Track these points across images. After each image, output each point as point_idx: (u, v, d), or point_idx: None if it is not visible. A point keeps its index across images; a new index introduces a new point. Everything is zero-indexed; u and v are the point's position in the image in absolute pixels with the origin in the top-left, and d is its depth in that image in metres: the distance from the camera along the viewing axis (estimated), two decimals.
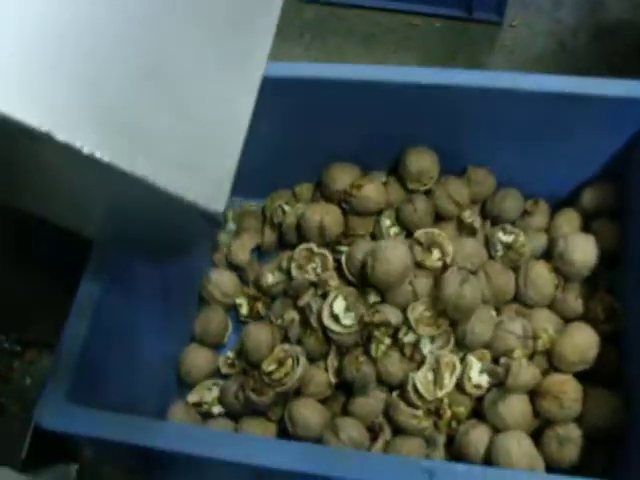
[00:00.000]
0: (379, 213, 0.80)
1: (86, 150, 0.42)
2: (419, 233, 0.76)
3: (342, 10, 1.26)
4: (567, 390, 0.68)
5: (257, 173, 0.87)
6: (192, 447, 0.58)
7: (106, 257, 0.67)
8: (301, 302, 0.77)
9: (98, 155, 0.42)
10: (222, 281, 0.82)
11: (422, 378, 0.70)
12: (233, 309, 0.84)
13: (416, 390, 0.69)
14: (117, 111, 0.45)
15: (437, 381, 0.70)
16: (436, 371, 0.70)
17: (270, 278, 0.81)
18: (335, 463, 0.56)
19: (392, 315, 0.72)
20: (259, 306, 0.81)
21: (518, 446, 0.66)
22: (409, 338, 0.71)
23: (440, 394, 0.69)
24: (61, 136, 0.41)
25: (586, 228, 0.79)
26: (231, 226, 0.89)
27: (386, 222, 0.79)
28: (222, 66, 0.51)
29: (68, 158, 0.43)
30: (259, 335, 0.76)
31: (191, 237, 0.51)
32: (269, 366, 0.73)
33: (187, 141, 0.47)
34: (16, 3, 0.41)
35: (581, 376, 0.70)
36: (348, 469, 0.55)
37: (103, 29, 0.45)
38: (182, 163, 0.46)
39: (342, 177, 0.80)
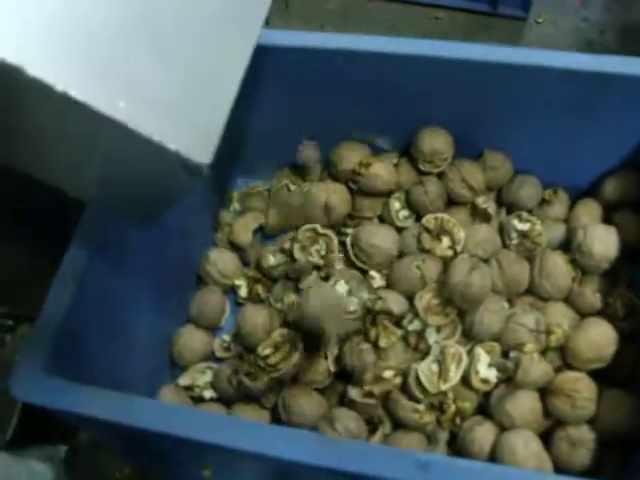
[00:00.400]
0: (388, 195, 0.76)
1: (60, 87, 0.39)
2: (427, 219, 0.72)
3: (365, 2, 1.23)
4: (580, 388, 0.63)
5: (264, 153, 0.84)
6: (176, 427, 0.54)
7: (97, 226, 0.63)
8: (302, 285, 0.73)
9: (72, 94, 0.39)
10: (221, 261, 0.79)
11: (426, 369, 0.66)
12: (232, 291, 0.80)
13: (419, 382, 0.65)
14: (100, 53, 0.42)
15: (442, 373, 0.65)
16: (441, 363, 0.66)
17: (271, 259, 0.77)
18: (324, 451, 0.52)
19: (395, 304, 0.68)
20: (259, 288, 0.77)
21: (525, 446, 0.61)
22: (414, 326, 0.67)
23: (444, 387, 0.65)
24: (32, 71, 0.38)
25: (608, 220, 0.74)
26: (235, 206, 0.86)
27: (395, 205, 0.75)
28: (219, 19, 0.48)
29: (43, 98, 0.40)
30: (256, 317, 0.72)
31: (175, 194, 0.48)
32: (264, 350, 0.69)
33: (175, 89, 0.44)
34: None
35: (596, 376, 0.65)
36: (338, 458, 0.51)
37: None
38: (168, 111, 0.43)
39: (351, 156, 0.76)
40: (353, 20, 1.23)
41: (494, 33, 1.15)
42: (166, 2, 0.44)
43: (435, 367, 0.66)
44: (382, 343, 0.66)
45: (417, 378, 0.65)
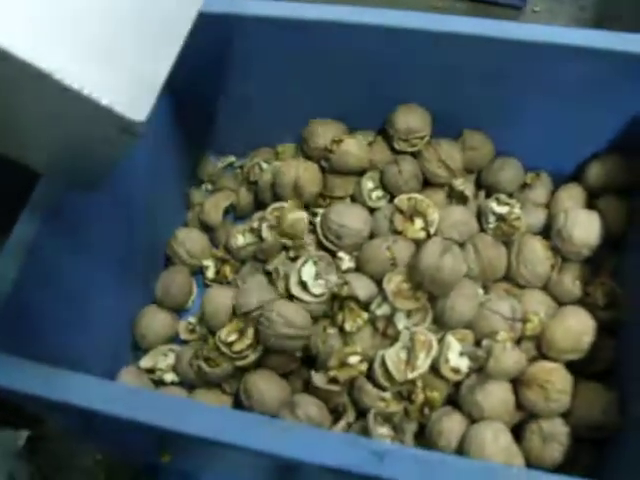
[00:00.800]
0: (361, 174, 0.72)
1: None
2: (400, 199, 0.68)
3: None
4: (555, 380, 0.60)
5: (239, 131, 0.81)
6: (120, 408, 0.51)
7: (53, 197, 0.60)
8: (270, 266, 0.70)
9: None
10: (189, 240, 0.76)
11: (393, 356, 0.63)
12: (201, 272, 0.77)
13: (385, 369, 0.62)
14: None
15: (410, 361, 0.62)
16: (410, 350, 0.63)
17: (240, 239, 0.74)
18: (275, 438, 0.48)
19: (361, 290, 0.64)
20: (226, 269, 0.74)
21: (494, 439, 0.58)
22: (383, 310, 0.64)
23: (412, 375, 0.62)
24: None
25: (592, 207, 0.70)
26: (207, 186, 0.83)
27: (368, 184, 0.72)
28: None
29: None
30: (220, 299, 0.69)
31: (115, 156, 0.45)
32: (229, 336, 0.66)
33: (113, 43, 0.41)
34: None
35: (572, 368, 0.62)
36: (288, 445, 0.48)
37: None
38: (102, 64, 0.40)
39: (324, 133, 0.73)
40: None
41: None
42: None
43: (403, 354, 0.63)
44: (347, 326, 0.63)
45: (384, 365, 0.62)
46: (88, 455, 0.79)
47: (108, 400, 0.52)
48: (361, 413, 0.64)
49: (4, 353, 0.53)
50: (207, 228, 0.79)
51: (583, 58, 0.63)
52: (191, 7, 0.46)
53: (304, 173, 0.70)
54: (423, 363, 0.62)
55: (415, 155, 0.72)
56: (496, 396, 0.61)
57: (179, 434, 0.51)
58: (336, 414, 0.65)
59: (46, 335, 0.61)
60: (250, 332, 0.66)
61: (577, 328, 0.62)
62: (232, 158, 0.83)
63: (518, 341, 0.64)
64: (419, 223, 0.67)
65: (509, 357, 0.60)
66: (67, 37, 0.39)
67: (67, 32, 0.39)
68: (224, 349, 0.66)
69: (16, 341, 0.55)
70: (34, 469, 0.78)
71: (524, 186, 0.73)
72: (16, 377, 0.52)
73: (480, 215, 0.70)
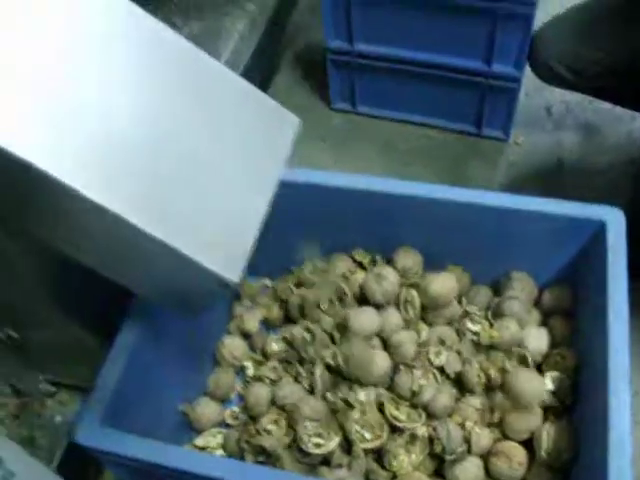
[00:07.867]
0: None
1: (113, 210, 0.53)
2: None
3: (365, 119, 1.45)
4: (516, 454, 0.82)
5: (271, 258, 1.03)
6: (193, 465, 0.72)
7: (143, 313, 0.81)
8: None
9: (121, 214, 0.53)
10: (233, 346, 0.98)
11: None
12: (241, 370, 0.98)
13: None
14: (147, 181, 0.56)
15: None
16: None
17: (274, 346, 0.96)
18: None
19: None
20: (264, 369, 0.95)
21: None
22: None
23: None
24: (89, 194, 0.52)
25: (545, 324, 0.93)
26: (246, 301, 1.05)
27: None
28: (247, 169, 0.63)
29: (101, 219, 0.54)
30: (259, 393, 0.90)
31: (210, 300, 0.64)
32: (267, 424, 0.86)
33: (213, 223, 0.59)
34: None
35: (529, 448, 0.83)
36: None
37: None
38: (207, 239, 0.58)
39: (340, 265, 0.97)
40: (353, 137, 1.43)
41: (479, 152, 1.35)
42: (207, 150, 0.60)
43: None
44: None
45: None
46: None
47: (186, 461, 0.72)
48: None
49: (112, 429, 0.74)
50: (246, 335, 1.01)
51: (536, 219, 0.86)
52: (267, 194, 0.64)
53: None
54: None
55: (413, 285, 0.94)
56: (470, 471, 0.81)
57: None
58: None
59: (134, 417, 0.80)
60: (283, 422, 0.86)
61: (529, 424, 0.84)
62: (267, 281, 1.05)
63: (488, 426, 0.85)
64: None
65: (484, 439, 0.81)
66: (184, 219, 0.57)
67: (185, 218, 0.57)
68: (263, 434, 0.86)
69: (116, 421, 0.76)
70: None
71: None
72: (122, 445, 0.73)
73: (458, 332, 0.93)
